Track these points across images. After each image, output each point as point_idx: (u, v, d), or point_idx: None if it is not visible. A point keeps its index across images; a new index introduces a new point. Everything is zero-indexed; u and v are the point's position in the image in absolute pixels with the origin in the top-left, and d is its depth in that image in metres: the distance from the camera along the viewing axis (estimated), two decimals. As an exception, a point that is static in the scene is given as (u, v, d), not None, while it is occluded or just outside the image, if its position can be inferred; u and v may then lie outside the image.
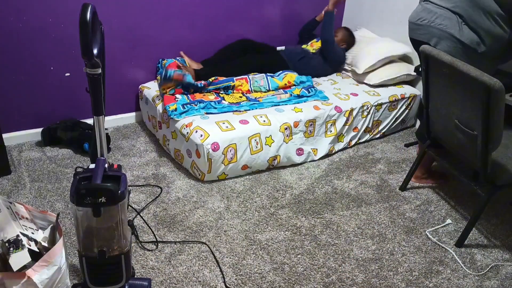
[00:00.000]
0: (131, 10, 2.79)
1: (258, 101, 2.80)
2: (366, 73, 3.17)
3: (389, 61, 3.19)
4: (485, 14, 2.07)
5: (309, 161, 2.78)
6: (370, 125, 3.03)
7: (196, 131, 2.42)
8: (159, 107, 2.73)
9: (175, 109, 2.57)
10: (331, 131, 2.83)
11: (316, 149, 2.80)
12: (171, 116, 2.55)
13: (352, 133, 2.96)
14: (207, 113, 2.61)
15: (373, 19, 3.55)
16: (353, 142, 3.00)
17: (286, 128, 2.62)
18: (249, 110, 2.70)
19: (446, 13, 2.16)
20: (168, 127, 2.65)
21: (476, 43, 2.11)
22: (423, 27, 2.25)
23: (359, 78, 3.24)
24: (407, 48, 3.11)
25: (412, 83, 3.31)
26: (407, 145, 3.08)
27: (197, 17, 3.07)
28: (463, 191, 2.59)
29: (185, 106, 2.61)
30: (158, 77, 2.88)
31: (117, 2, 2.73)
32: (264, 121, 2.58)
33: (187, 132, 2.46)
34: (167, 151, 2.76)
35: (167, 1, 2.90)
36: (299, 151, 2.71)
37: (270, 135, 2.57)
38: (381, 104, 3.01)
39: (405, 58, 3.30)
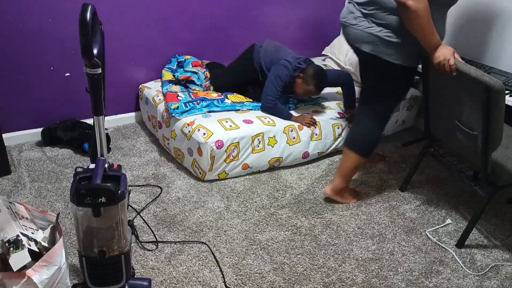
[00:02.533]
0: (131, 10, 2.79)
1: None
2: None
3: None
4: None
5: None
6: None
7: (199, 130, 2.42)
8: (160, 107, 2.73)
9: (177, 108, 2.57)
10: (338, 134, 2.81)
11: (323, 152, 2.79)
12: (173, 115, 2.55)
13: None
14: (209, 111, 2.61)
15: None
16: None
17: (291, 130, 2.61)
18: (252, 110, 2.71)
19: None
20: (168, 127, 2.64)
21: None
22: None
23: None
24: None
25: (413, 84, 3.30)
26: (404, 145, 3.08)
27: (197, 18, 3.07)
28: (463, 191, 2.59)
29: (187, 104, 2.60)
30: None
31: (117, 2, 2.73)
32: (269, 121, 2.58)
33: (189, 131, 2.46)
34: (167, 151, 2.76)
35: (167, 1, 2.90)
36: (305, 155, 2.70)
37: (274, 136, 2.56)
38: None
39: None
